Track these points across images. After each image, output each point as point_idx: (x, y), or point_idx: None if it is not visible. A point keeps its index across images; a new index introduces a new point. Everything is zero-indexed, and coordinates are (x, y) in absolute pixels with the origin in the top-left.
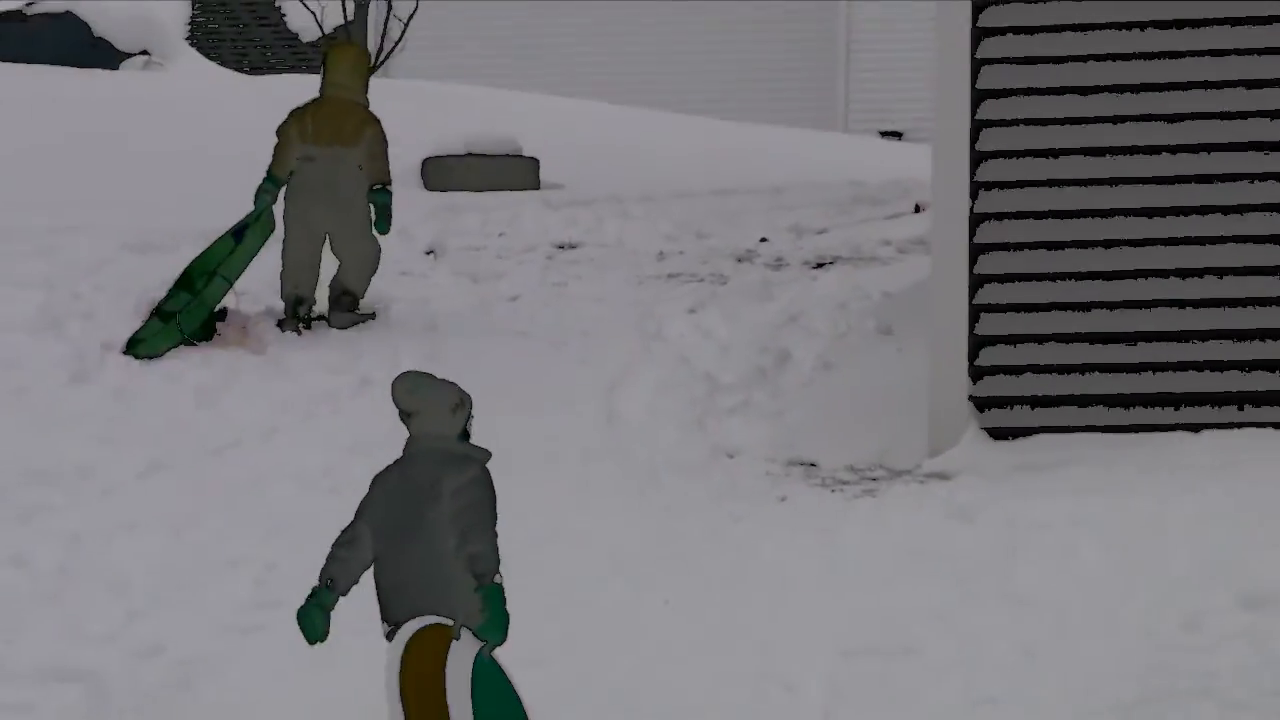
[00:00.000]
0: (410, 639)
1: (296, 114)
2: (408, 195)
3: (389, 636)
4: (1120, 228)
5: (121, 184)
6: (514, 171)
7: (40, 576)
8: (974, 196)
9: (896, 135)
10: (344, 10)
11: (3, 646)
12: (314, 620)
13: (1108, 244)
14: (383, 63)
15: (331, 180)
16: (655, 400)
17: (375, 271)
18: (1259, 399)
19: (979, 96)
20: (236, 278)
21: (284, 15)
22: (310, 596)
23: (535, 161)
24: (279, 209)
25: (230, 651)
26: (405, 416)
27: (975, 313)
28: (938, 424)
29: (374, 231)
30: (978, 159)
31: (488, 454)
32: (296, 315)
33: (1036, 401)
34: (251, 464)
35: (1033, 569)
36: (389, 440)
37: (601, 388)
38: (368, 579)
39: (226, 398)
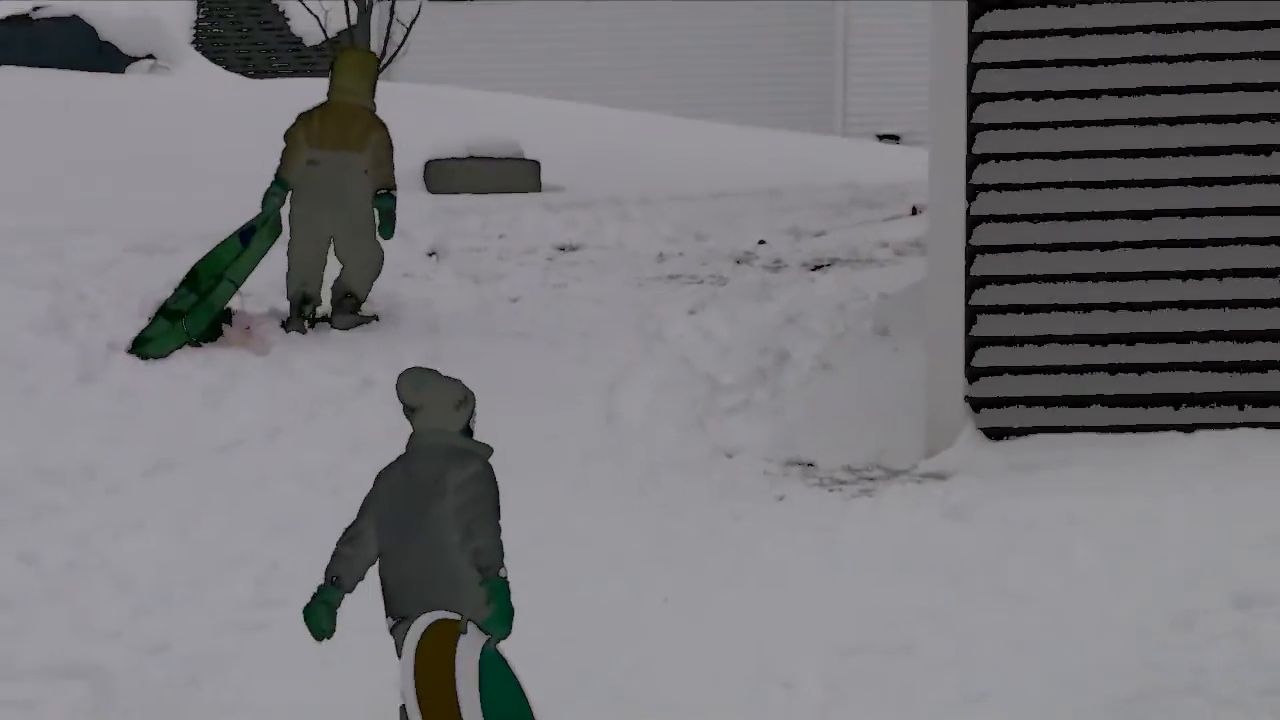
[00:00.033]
0: (423, 634)
1: (304, 118)
2: (410, 198)
3: (393, 630)
4: (1114, 230)
5: (127, 187)
6: (515, 174)
7: (47, 574)
8: (970, 199)
9: (894, 139)
10: (347, 14)
11: (10, 643)
12: (320, 617)
13: (1102, 246)
14: (385, 67)
15: (337, 184)
16: (655, 400)
17: (378, 275)
18: (1251, 399)
19: (975, 100)
20: (243, 281)
21: (288, 20)
22: (316, 594)
23: (536, 164)
24: (285, 211)
25: (234, 648)
26: (409, 411)
27: (971, 314)
28: (934, 424)
29: (378, 236)
30: (974, 162)
31: (490, 450)
32: (302, 314)
33: (1032, 402)
34: (255, 463)
35: (1027, 568)
36: (391, 440)
37: (602, 388)
38: (372, 574)
39: (231, 398)
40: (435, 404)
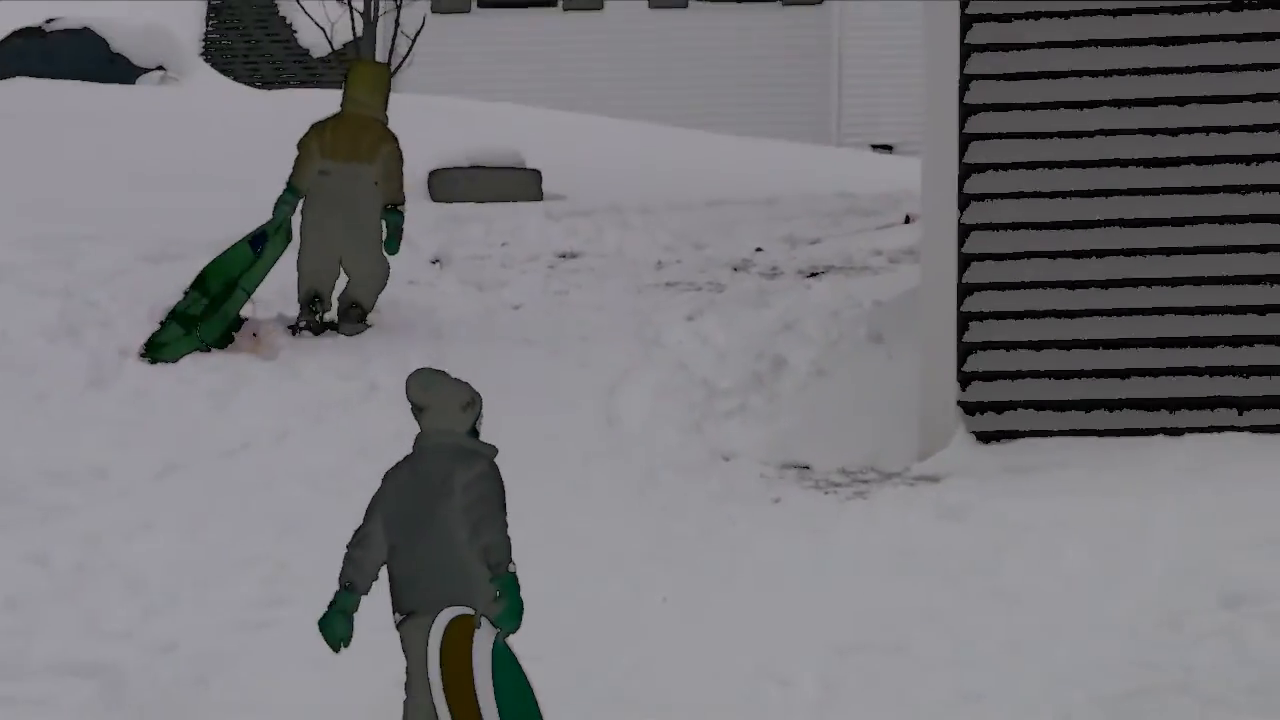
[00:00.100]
0: (446, 628)
1: (317, 128)
2: (414, 206)
3: (400, 625)
4: (1104, 238)
5: (137, 195)
6: (517, 183)
7: (59, 575)
8: (962, 208)
9: (887, 148)
10: (353, 27)
11: (22, 642)
12: (335, 627)
13: (1092, 254)
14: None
15: (347, 195)
16: (654, 404)
17: (384, 288)
18: (1238, 404)
19: (967, 111)
20: (255, 289)
21: (295, 32)
22: (332, 603)
23: (537, 173)
24: (296, 219)
25: (242, 647)
26: (417, 411)
27: (964, 320)
28: (927, 428)
29: (384, 250)
30: (966, 171)
31: (495, 450)
32: (313, 310)
33: (1023, 406)
34: (263, 466)
35: (1020, 568)
36: (397, 442)
37: (602, 392)
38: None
39: (239, 402)
40: (443, 405)
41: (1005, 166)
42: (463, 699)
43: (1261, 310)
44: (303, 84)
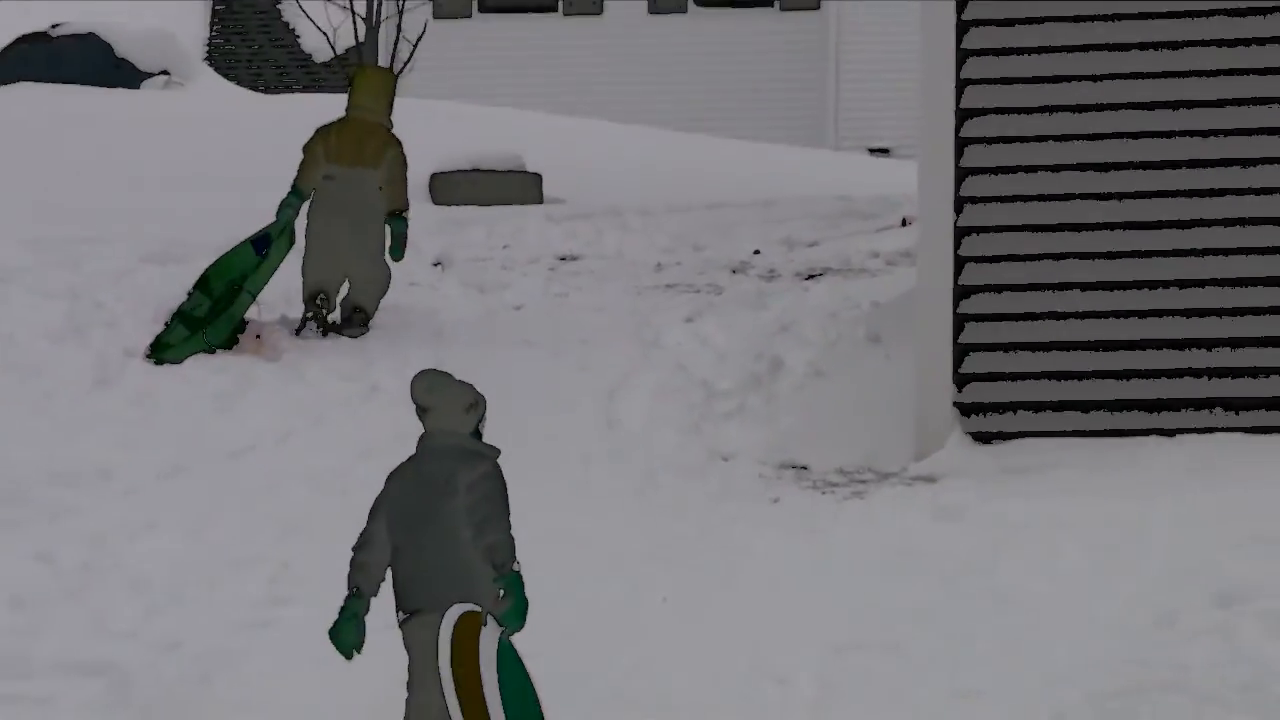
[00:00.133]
0: (455, 624)
1: (322, 132)
2: (416, 209)
3: (403, 624)
4: (1098, 241)
5: (142, 198)
6: (518, 186)
7: (64, 574)
8: (958, 211)
9: (884, 152)
10: (355, 32)
11: (28, 641)
12: (345, 634)
13: (1086, 256)
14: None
15: (352, 200)
16: (653, 405)
17: (386, 293)
18: (1232, 405)
19: (963, 115)
20: (260, 291)
21: (298, 37)
22: (342, 610)
23: (538, 177)
24: (300, 222)
25: (246, 646)
26: (422, 412)
27: (960, 322)
28: (924, 429)
29: (388, 256)
30: (961, 175)
31: (498, 451)
32: (318, 305)
33: (1019, 407)
34: (267, 466)
35: (1015, 568)
36: (399, 444)
37: (602, 393)
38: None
39: (243, 403)
40: (447, 406)
41: (1000, 170)
42: (471, 694)
43: (1257, 312)
44: (305, 89)
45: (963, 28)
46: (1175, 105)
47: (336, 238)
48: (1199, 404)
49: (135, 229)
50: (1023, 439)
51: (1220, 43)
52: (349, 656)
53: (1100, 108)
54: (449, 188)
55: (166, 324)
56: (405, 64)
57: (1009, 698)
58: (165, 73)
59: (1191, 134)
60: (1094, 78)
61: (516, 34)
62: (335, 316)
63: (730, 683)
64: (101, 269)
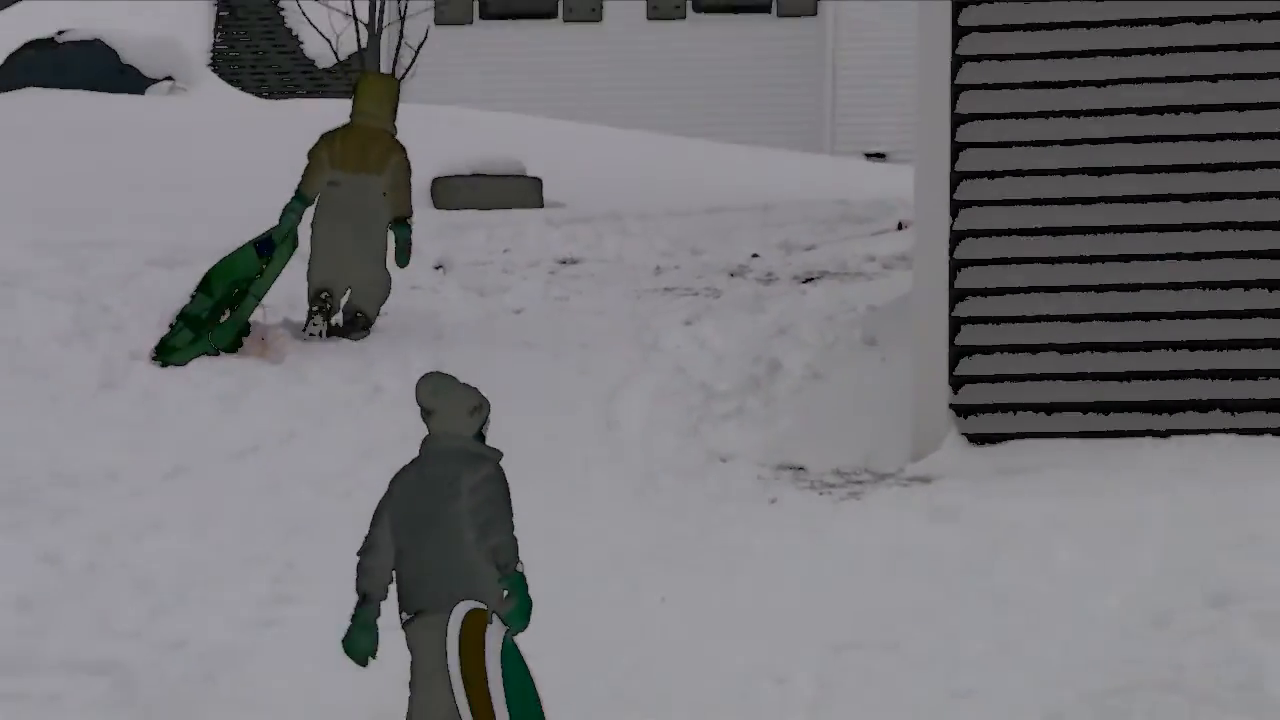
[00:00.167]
0: (463, 620)
1: (326, 138)
2: (418, 213)
3: (406, 625)
4: (1091, 244)
5: (147, 202)
6: (518, 191)
7: (70, 574)
8: (954, 215)
9: (880, 156)
10: (358, 39)
11: (35, 640)
12: (358, 642)
13: (1080, 259)
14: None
15: (356, 206)
16: (653, 407)
17: (387, 297)
18: (1225, 406)
19: (958, 120)
20: (264, 295)
21: (301, 43)
22: (353, 619)
23: (538, 181)
24: (304, 227)
25: (250, 645)
26: (426, 414)
27: (955, 324)
28: (920, 430)
29: (393, 262)
30: (957, 179)
31: (500, 454)
32: (323, 300)
33: (1013, 408)
34: (270, 467)
35: (1010, 568)
36: (401, 444)
37: (602, 396)
38: None
39: (247, 405)
40: (451, 408)
41: (995, 174)
42: (479, 690)
43: (1251, 315)
44: (309, 94)
45: (958, 33)
46: (1166, 110)
47: (340, 242)
48: (1194, 405)
49: (140, 233)
50: (1018, 440)
51: (1213, 48)
52: (364, 664)
53: (1093, 113)
54: (450, 192)
55: (171, 326)
56: (407, 70)
57: (1005, 696)
58: (170, 78)
59: (1185, 138)
60: (1087, 83)
61: (517, 40)
62: (338, 319)
63: (729, 681)
64: (107, 272)
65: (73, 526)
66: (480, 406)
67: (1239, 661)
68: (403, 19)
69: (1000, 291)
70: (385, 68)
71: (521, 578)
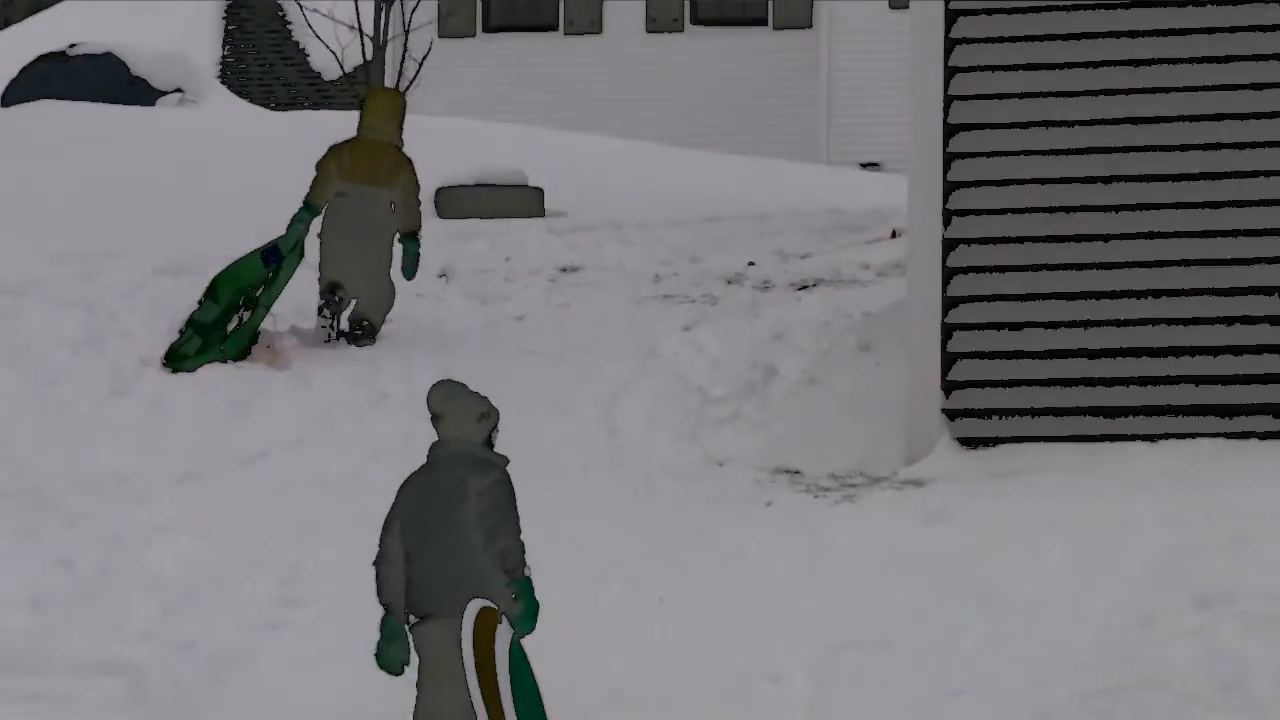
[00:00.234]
0: (476, 616)
1: (335, 150)
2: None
3: (413, 628)
4: (1081, 252)
5: (157, 212)
6: (520, 200)
7: (82, 577)
8: (946, 223)
9: (875, 166)
10: (364, 51)
11: (48, 641)
12: (389, 654)
13: (1071, 267)
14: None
15: (364, 217)
16: (651, 412)
17: (391, 307)
18: (1213, 411)
19: (950, 130)
20: (273, 304)
21: (307, 56)
22: (381, 631)
23: (540, 191)
24: (311, 236)
25: (258, 646)
26: (435, 419)
27: (948, 331)
28: (913, 434)
29: (400, 273)
30: (950, 188)
31: (507, 460)
32: (331, 294)
33: (1005, 413)
34: (278, 471)
35: (1001, 569)
36: (406, 448)
37: (601, 401)
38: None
39: (255, 410)
40: (459, 415)
41: (987, 183)
42: (490, 685)
43: (1237, 321)
44: (315, 105)
45: (950, 46)
46: (1156, 120)
47: (347, 252)
48: (1181, 410)
49: (149, 242)
50: (1009, 444)
51: (1203, 59)
52: (399, 672)
53: (1082, 123)
54: (453, 202)
55: (180, 333)
56: (411, 82)
57: (996, 695)
58: (179, 90)
59: (1175, 148)
60: (1076, 93)
61: (519, 52)
62: (344, 325)
63: (726, 680)
64: (117, 281)
65: (85, 530)
66: (488, 414)
67: (1225, 661)
68: (407, 32)
69: (992, 298)
70: (390, 80)
71: (528, 581)
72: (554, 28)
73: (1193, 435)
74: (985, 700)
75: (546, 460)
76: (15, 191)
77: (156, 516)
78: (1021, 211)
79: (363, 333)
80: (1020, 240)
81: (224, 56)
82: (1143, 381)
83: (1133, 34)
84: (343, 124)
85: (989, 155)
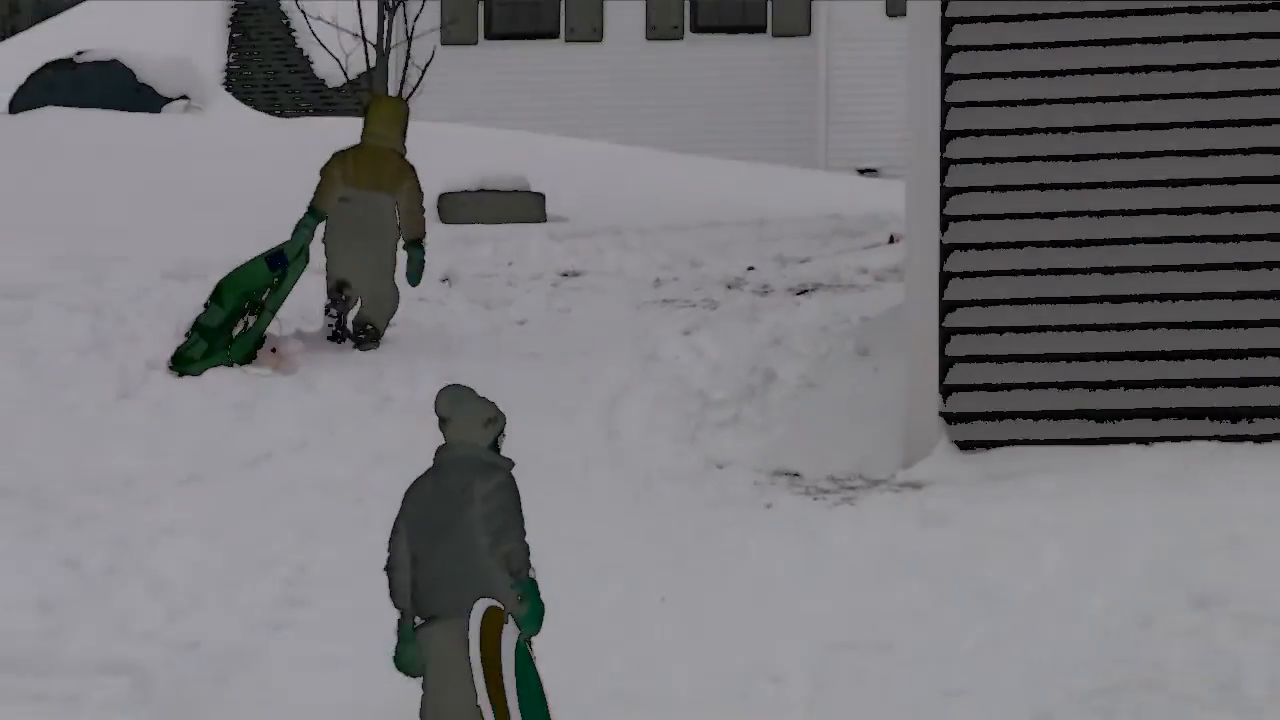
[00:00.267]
0: (483, 615)
1: (339, 157)
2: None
3: (419, 629)
4: (1077, 257)
5: (163, 217)
6: (522, 206)
7: (88, 577)
8: (943, 228)
9: (873, 172)
10: (367, 59)
11: (55, 642)
12: (405, 656)
13: (1067, 272)
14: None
15: (368, 222)
16: (652, 415)
17: (395, 311)
18: (1206, 414)
19: (947, 137)
20: (278, 309)
21: (311, 63)
22: (397, 634)
23: (541, 196)
24: (316, 242)
25: (263, 646)
26: (443, 423)
27: (945, 335)
28: (911, 437)
29: (405, 280)
30: (947, 194)
31: (512, 463)
32: (341, 294)
33: (1002, 416)
34: (282, 474)
35: (999, 570)
36: (409, 451)
37: (602, 404)
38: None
39: (259, 413)
40: (466, 419)
41: (984, 189)
42: (497, 684)
43: (1231, 325)
44: (318, 112)
45: (947, 53)
46: (1153, 126)
47: (352, 258)
48: (1176, 413)
49: (156, 247)
50: (1006, 447)
51: (1199, 66)
52: (418, 674)
53: (1078, 130)
54: (456, 207)
55: (186, 336)
56: (414, 89)
57: (994, 695)
58: (185, 97)
59: (1167, 154)
60: (1073, 100)
61: (521, 60)
62: (349, 324)
63: (726, 680)
64: (124, 285)
65: (91, 531)
66: (495, 419)
67: (1221, 661)
68: (410, 39)
69: (989, 303)
70: (393, 87)
71: (534, 583)
72: (555, 35)
73: (1187, 438)
74: (984, 700)
75: (548, 462)
76: (24, 197)
77: (162, 518)
78: (1018, 217)
79: (366, 336)
80: (1017, 245)
81: (229, 64)
82: (1138, 385)
83: (1129, 41)
84: (346, 130)
85: (986, 161)
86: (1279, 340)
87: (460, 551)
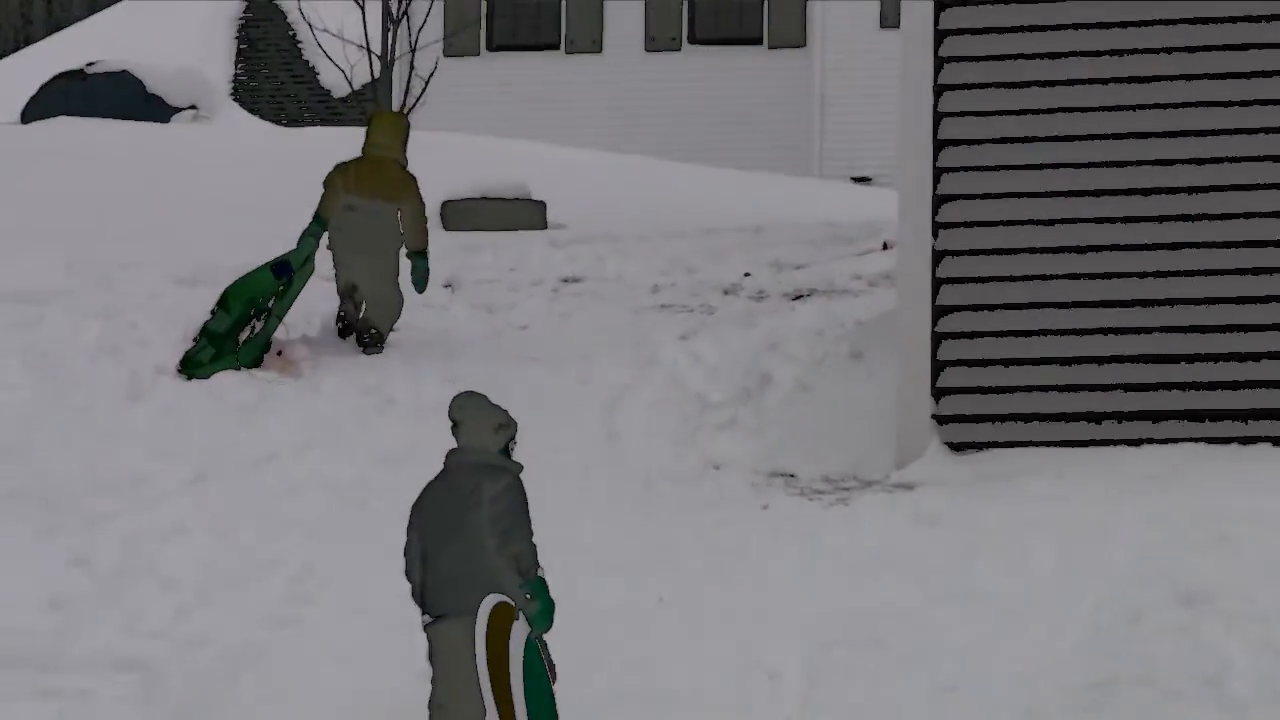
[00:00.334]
0: (491, 611)
1: (341, 167)
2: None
3: (427, 628)
4: (1066, 263)
5: (172, 225)
6: (523, 213)
7: (99, 576)
8: (935, 235)
9: (866, 180)
10: (371, 69)
11: (66, 639)
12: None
13: (1056, 277)
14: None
15: (371, 230)
16: (650, 418)
17: (399, 316)
18: (1193, 416)
19: (940, 145)
20: (285, 315)
21: (317, 74)
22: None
23: (542, 204)
24: (321, 250)
25: (270, 643)
26: (455, 427)
27: (937, 339)
28: (904, 439)
29: (411, 285)
30: (939, 201)
31: (520, 467)
32: (352, 296)
33: (993, 419)
34: (288, 475)
35: (990, 569)
36: (412, 454)
37: (602, 406)
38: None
39: (266, 416)
40: (477, 424)
41: (974, 197)
42: (501, 680)
43: (1218, 329)
44: (324, 122)
45: (939, 64)
46: (1142, 134)
47: (357, 264)
48: (1163, 415)
49: (166, 253)
50: (997, 448)
51: (1189, 76)
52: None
53: (1068, 138)
54: (459, 215)
55: (195, 341)
56: (418, 99)
57: (984, 691)
58: (193, 107)
59: (1160, 162)
60: (1062, 109)
61: (522, 71)
62: (358, 324)
63: (723, 676)
64: (134, 291)
65: (102, 531)
66: (506, 425)
67: (1207, 658)
68: (413, 51)
69: (980, 308)
70: (397, 97)
71: (542, 582)
72: (555, 47)
73: (1175, 440)
74: (975, 696)
75: (548, 464)
76: (36, 205)
77: (171, 518)
78: (1008, 224)
79: (370, 340)
80: (1007, 252)
81: (237, 74)
82: (1127, 388)
83: (1119, 52)
84: (351, 139)
85: (977, 170)
86: (1265, 344)
87: (468, 551)
